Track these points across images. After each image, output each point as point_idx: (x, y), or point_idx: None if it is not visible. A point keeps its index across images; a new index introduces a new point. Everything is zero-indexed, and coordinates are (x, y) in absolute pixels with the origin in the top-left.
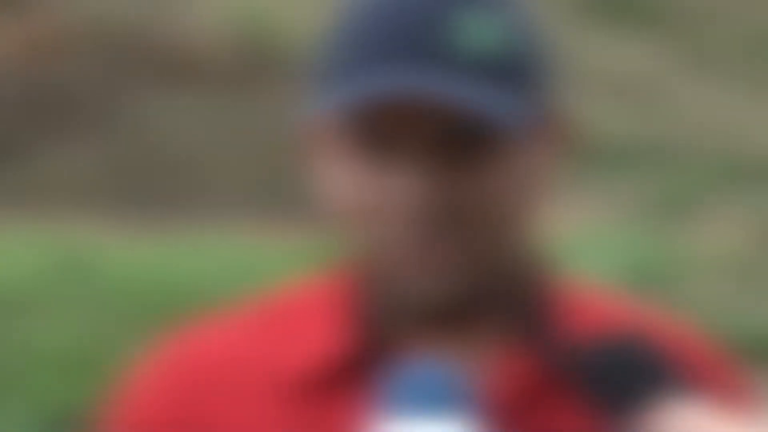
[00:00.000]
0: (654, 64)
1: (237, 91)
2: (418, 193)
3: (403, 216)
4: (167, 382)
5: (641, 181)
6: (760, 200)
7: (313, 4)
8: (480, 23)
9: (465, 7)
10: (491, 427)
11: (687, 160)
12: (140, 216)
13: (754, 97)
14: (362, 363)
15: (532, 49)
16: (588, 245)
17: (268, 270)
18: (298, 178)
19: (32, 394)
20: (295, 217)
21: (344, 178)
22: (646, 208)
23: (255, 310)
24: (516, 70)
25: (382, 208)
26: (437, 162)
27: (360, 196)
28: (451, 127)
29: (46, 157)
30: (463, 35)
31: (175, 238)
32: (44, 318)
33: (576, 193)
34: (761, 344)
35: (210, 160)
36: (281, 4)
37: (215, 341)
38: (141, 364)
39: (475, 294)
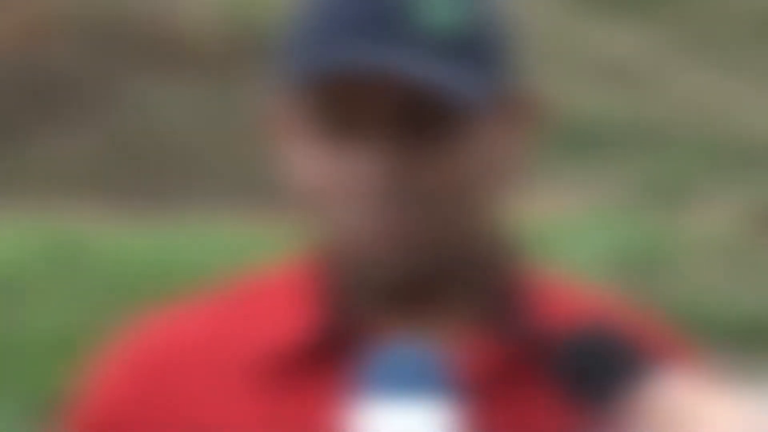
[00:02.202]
0: (645, 48)
1: (229, 77)
2: (379, 171)
3: (364, 194)
4: (131, 369)
5: (632, 165)
6: (750, 185)
7: None
8: (442, 1)
9: None
10: (463, 409)
11: (677, 145)
12: (131, 202)
13: (745, 82)
14: (331, 344)
15: (495, 28)
16: (578, 230)
17: (259, 256)
18: (277, 163)
19: (22, 380)
20: (286, 204)
21: (307, 158)
22: (638, 192)
23: (223, 294)
24: (478, 48)
25: (344, 187)
26: (399, 140)
27: (322, 176)
28: (413, 105)
29: (37, 143)
30: (424, 13)
31: (165, 224)
32: (35, 304)
33: (566, 177)
34: (750, 329)
35: (201, 146)
36: None
37: (181, 326)
38: (105, 351)
39: (439, 273)
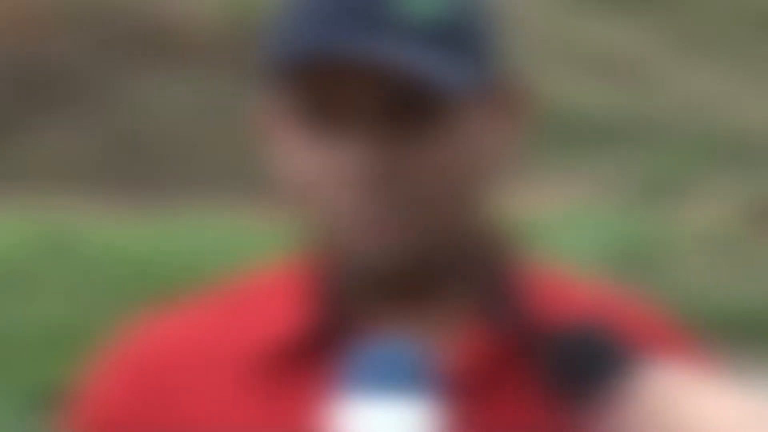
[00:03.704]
0: (642, 43)
1: (225, 72)
2: (366, 161)
3: (351, 185)
4: (129, 369)
5: (628, 160)
6: (747, 180)
7: None
8: None
9: None
10: (451, 405)
11: (674, 140)
12: (127, 195)
13: (742, 78)
14: (324, 341)
15: (481, 17)
16: (573, 224)
17: (253, 249)
18: (268, 157)
19: (17, 372)
20: (281, 198)
21: (294, 151)
22: (633, 186)
23: (219, 293)
24: (463, 36)
25: (332, 178)
26: (385, 131)
27: (310, 168)
28: (398, 94)
29: (34, 136)
30: (409, 1)
31: (161, 217)
32: (31, 296)
33: (563, 172)
34: (746, 323)
35: (198, 140)
36: None
37: (177, 326)
38: (103, 353)
39: (430, 265)
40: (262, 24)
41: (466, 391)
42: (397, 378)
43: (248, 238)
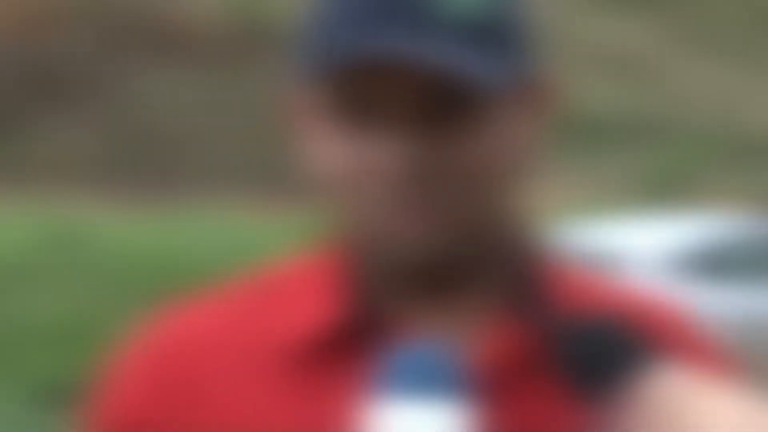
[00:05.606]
0: (652, 41)
1: (231, 66)
2: (399, 157)
3: (385, 181)
4: (151, 366)
5: (638, 157)
6: (755, 177)
7: None
8: None
9: None
10: (480, 405)
11: (683, 138)
12: (134, 190)
13: (750, 75)
14: (353, 335)
15: (515, 15)
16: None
17: (262, 245)
18: (293, 151)
19: (24, 367)
20: (292, 192)
21: (327, 146)
22: (644, 184)
23: (246, 285)
24: (498, 34)
25: (367, 173)
26: (419, 126)
27: (343, 163)
28: (433, 91)
29: (41, 132)
30: (450, 0)
31: (168, 212)
32: (37, 291)
33: (570, 168)
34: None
35: (204, 135)
36: None
37: (201, 319)
38: (126, 346)
39: (462, 259)
40: (284, 19)
41: (497, 391)
42: (430, 380)
43: (258, 232)
